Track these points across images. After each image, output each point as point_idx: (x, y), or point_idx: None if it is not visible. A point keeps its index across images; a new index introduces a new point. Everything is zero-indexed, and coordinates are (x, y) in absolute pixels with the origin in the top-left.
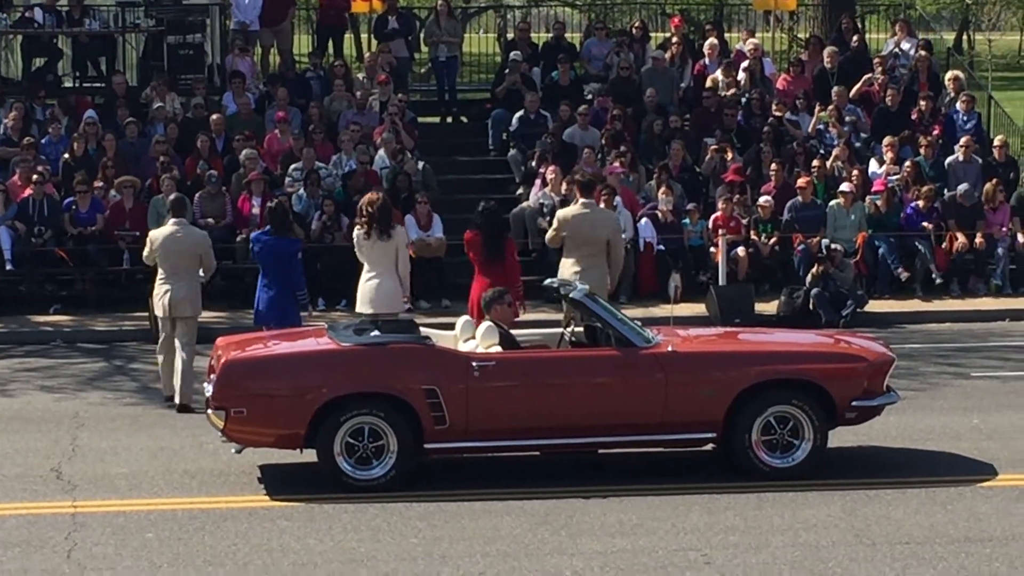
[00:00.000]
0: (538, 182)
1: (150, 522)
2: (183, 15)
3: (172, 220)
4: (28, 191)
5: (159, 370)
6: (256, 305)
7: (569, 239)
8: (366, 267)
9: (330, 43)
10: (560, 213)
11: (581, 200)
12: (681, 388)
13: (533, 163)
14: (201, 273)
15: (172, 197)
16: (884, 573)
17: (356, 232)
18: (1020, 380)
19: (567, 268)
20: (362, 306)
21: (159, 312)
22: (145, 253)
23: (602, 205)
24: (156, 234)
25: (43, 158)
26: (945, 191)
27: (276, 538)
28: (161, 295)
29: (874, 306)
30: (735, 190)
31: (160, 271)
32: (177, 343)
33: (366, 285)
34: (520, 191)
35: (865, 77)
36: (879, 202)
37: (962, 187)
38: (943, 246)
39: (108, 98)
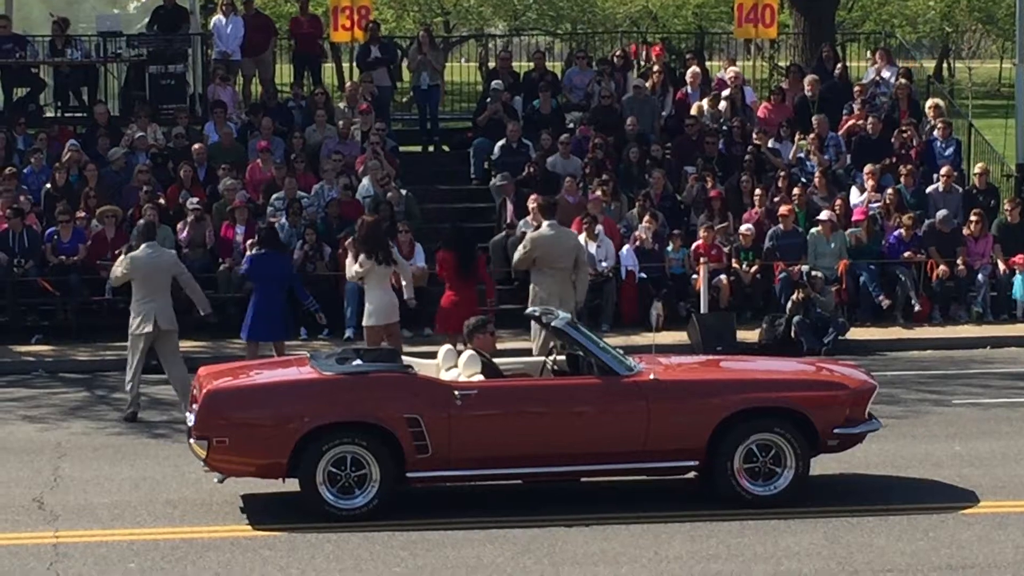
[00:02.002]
0: (510, 210)
1: (132, 552)
2: (165, 45)
3: (145, 244)
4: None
5: (129, 388)
6: (248, 320)
7: (540, 260)
8: (369, 284)
9: (306, 72)
10: (532, 235)
11: (546, 222)
12: (663, 416)
13: (502, 195)
14: (202, 312)
15: (140, 222)
16: None
17: (361, 258)
18: (1001, 407)
19: (545, 287)
20: (368, 320)
21: (145, 329)
22: (117, 275)
23: (583, 235)
24: (135, 256)
25: (25, 188)
26: (925, 220)
27: (258, 568)
28: (144, 313)
29: (856, 334)
30: (716, 217)
31: (139, 293)
32: (167, 360)
33: (371, 301)
34: (504, 223)
35: (848, 120)
36: (860, 235)
37: (941, 213)
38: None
39: (90, 128)
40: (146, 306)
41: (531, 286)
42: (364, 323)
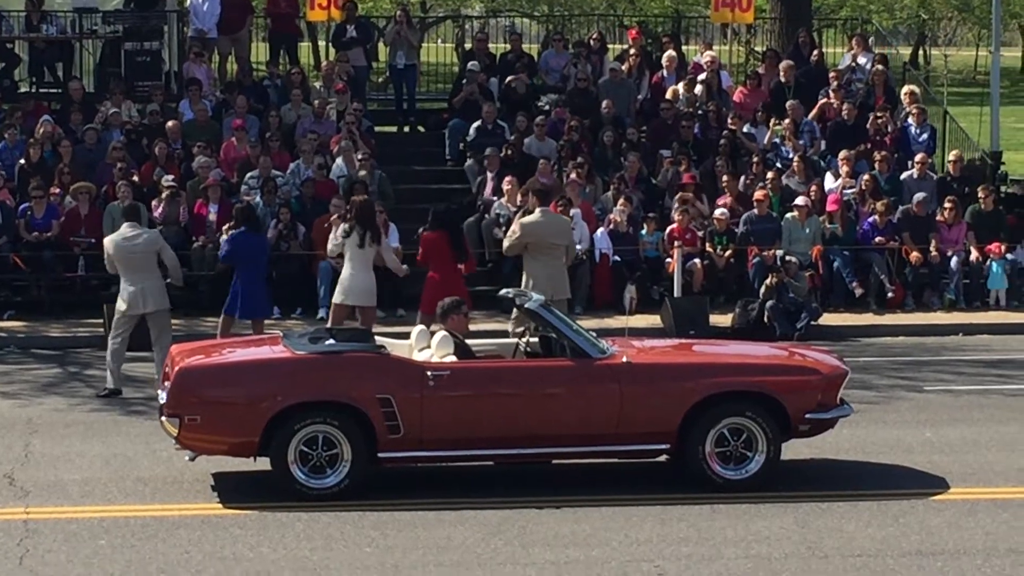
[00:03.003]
0: (489, 187)
1: (103, 529)
2: (141, 22)
3: (125, 224)
4: None
5: (108, 364)
6: (235, 301)
7: (534, 246)
8: (346, 262)
9: (282, 52)
10: (523, 221)
11: (540, 208)
12: (635, 399)
13: (478, 173)
14: (169, 280)
15: (126, 204)
16: None
17: (341, 229)
18: (973, 394)
19: (537, 276)
20: (338, 297)
21: (133, 311)
22: (106, 260)
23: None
24: (108, 240)
25: None
26: (900, 206)
27: (229, 546)
28: (130, 296)
29: (828, 319)
30: (688, 199)
31: (122, 275)
32: (157, 338)
33: (345, 279)
34: (479, 202)
35: (822, 101)
36: (837, 231)
37: (918, 196)
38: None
39: (64, 104)
40: (131, 288)
41: (524, 273)
42: (334, 299)
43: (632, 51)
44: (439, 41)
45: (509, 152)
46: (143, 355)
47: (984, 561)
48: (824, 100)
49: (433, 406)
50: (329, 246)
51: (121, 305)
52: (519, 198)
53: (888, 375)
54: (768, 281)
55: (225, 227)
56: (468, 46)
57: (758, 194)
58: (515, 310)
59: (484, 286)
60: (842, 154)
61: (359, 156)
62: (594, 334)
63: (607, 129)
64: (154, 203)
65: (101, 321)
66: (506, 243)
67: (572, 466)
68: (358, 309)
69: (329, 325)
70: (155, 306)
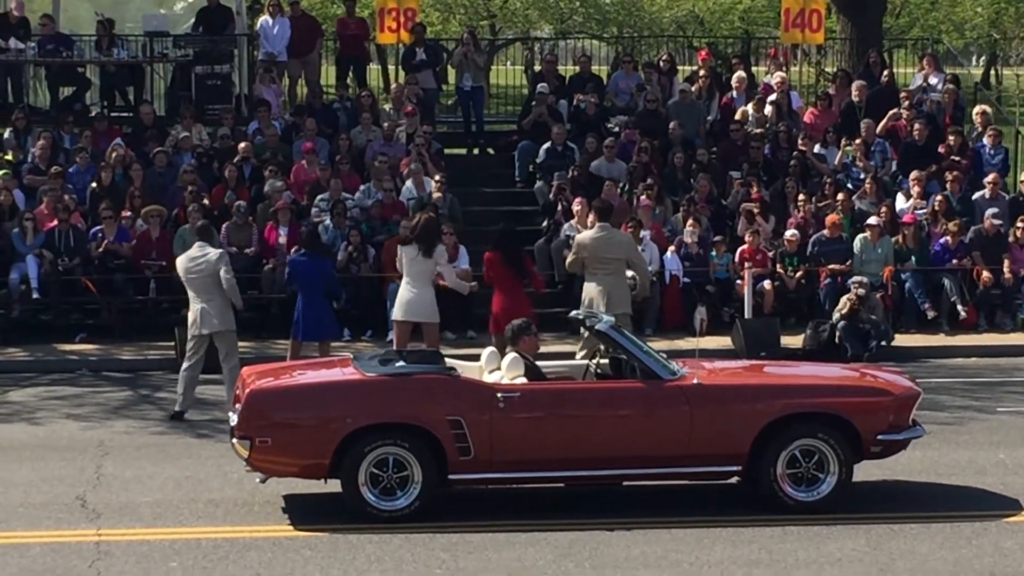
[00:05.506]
0: (561, 208)
1: (174, 551)
2: (211, 46)
3: (196, 244)
4: (55, 221)
5: (178, 386)
6: (298, 324)
7: (589, 261)
8: (404, 278)
9: (350, 73)
10: (578, 237)
11: (598, 224)
12: (706, 421)
13: (551, 196)
14: (233, 302)
15: (199, 224)
16: None
17: (401, 245)
18: None
19: (592, 290)
20: (397, 313)
21: (193, 332)
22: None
23: None
24: (179, 260)
25: (70, 187)
26: (971, 227)
27: (300, 568)
28: (192, 316)
29: (900, 340)
30: (754, 219)
31: (189, 294)
32: (221, 359)
33: (403, 295)
34: (545, 223)
35: (891, 113)
36: (911, 252)
37: (990, 211)
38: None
39: (135, 127)
40: (195, 308)
41: (584, 284)
42: (393, 316)
43: (702, 72)
44: (508, 63)
45: (576, 173)
46: (212, 377)
47: None
48: (893, 113)
49: (503, 428)
50: (398, 265)
51: (189, 328)
52: (589, 219)
53: (960, 396)
54: (849, 296)
55: (294, 249)
56: (537, 68)
57: (830, 218)
58: (582, 332)
59: (554, 307)
60: (913, 174)
61: (436, 178)
62: (664, 355)
63: (677, 150)
64: (224, 227)
65: (172, 344)
66: (568, 260)
67: (642, 488)
68: (421, 326)
69: (394, 344)
70: (218, 327)
